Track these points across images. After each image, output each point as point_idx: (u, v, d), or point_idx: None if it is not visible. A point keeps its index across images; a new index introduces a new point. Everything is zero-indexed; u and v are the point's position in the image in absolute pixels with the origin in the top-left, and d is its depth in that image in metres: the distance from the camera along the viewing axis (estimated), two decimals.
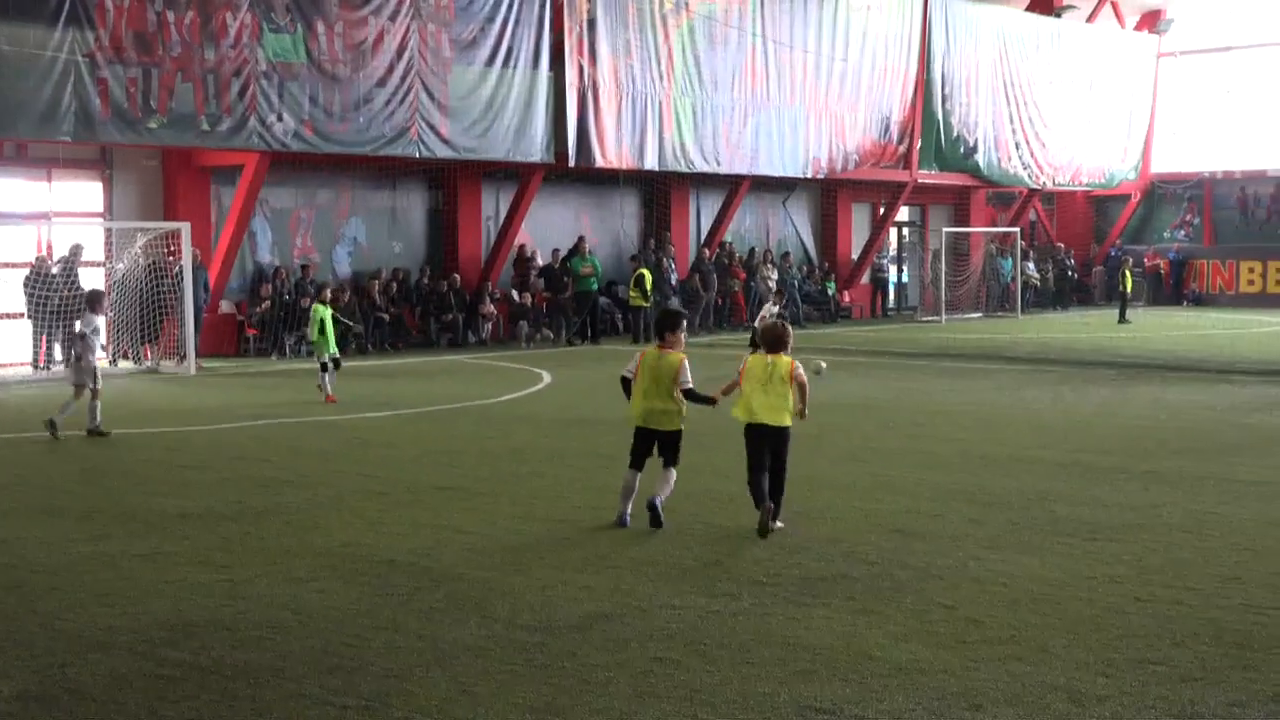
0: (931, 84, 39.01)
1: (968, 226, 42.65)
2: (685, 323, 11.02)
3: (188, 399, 19.74)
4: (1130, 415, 17.32)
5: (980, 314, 40.32)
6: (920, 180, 39.35)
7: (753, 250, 36.59)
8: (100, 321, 17.10)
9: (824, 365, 13.31)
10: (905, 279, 43.11)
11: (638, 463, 10.43)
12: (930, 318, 38.54)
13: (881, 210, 40.46)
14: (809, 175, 36.11)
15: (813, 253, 39.27)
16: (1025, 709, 6.27)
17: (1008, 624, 7.66)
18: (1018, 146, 42.44)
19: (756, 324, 23.69)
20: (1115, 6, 47.54)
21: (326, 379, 18.67)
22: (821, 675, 6.75)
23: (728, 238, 36.21)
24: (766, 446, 10.07)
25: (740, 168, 34.13)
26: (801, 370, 10.17)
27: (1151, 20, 48.24)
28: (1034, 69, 42.52)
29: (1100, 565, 9.03)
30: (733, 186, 35.62)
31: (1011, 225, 43.75)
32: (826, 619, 7.78)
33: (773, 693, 6.51)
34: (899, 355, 26.94)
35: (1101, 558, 9.26)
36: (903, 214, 42.04)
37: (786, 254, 37.52)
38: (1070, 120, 44.11)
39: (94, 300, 16.40)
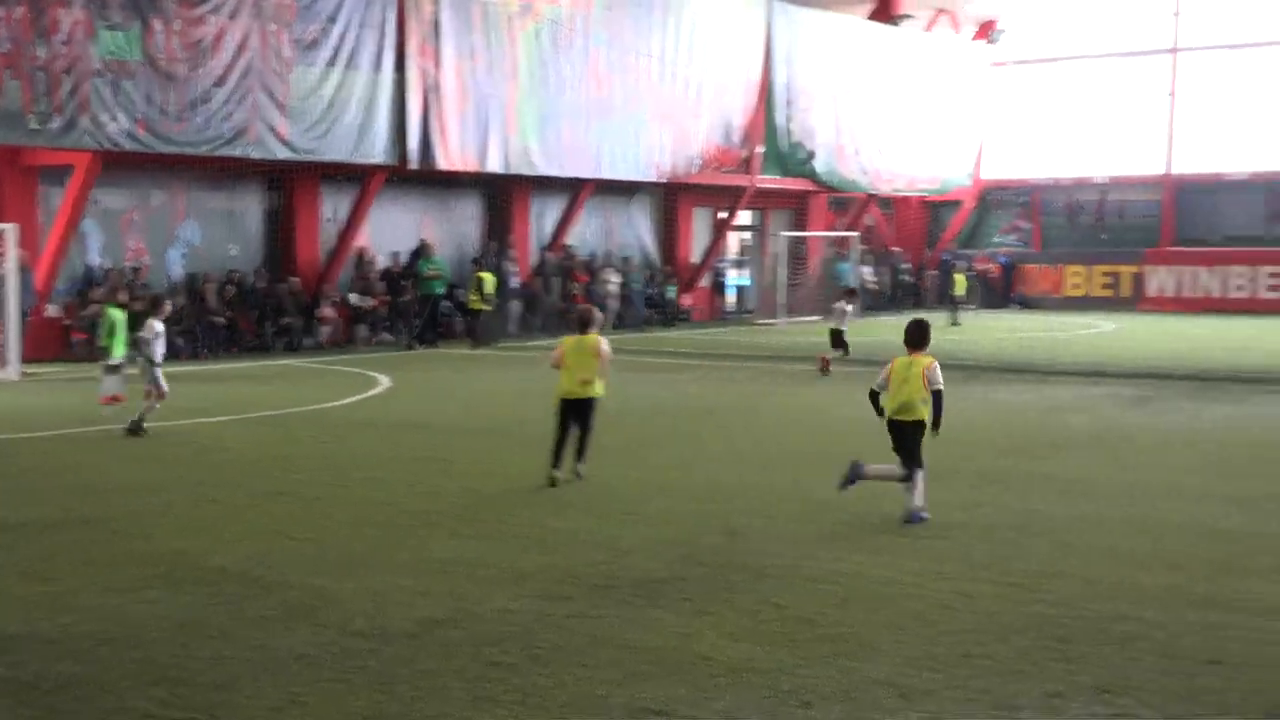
0: (773, 91, 39.52)
1: (807, 231, 43.28)
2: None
3: (10, 405, 19.14)
4: (960, 415, 17.70)
5: (818, 317, 40.90)
6: (761, 185, 39.81)
7: (594, 254, 36.68)
8: None
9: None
10: (745, 282, 43.56)
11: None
12: (769, 321, 39.00)
13: (722, 215, 40.85)
14: (652, 179, 36.32)
15: (654, 256, 39.49)
16: (854, 705, 6.39)
17: (839, 622, 7.79)
18: (856, 153, 43.20)
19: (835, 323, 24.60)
20: (952, 17, 48.67)
21: (111, 380, 17.44)
22: (656, 676, 6.80)
23: (570, 241, 36.25)
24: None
25: (584, 171, 34.17)
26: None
27: (986, 30, 49.51)
28: (873, 77, 43.31)
29: (928, 563, 9.23)
30: (576, 190, 35.67)
31: (849, 230, 44.49)
32: (661, 620, 7.83)
33: (607, 695, 6.54)
34: (736, 358, 27.21)
35: (930, 555, 9.47)
36: (743, 218, 42.50)
37: (628, 258, 37.67)
38: (907, 127, 45.02)
39: None
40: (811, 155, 41.41)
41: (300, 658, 7.11)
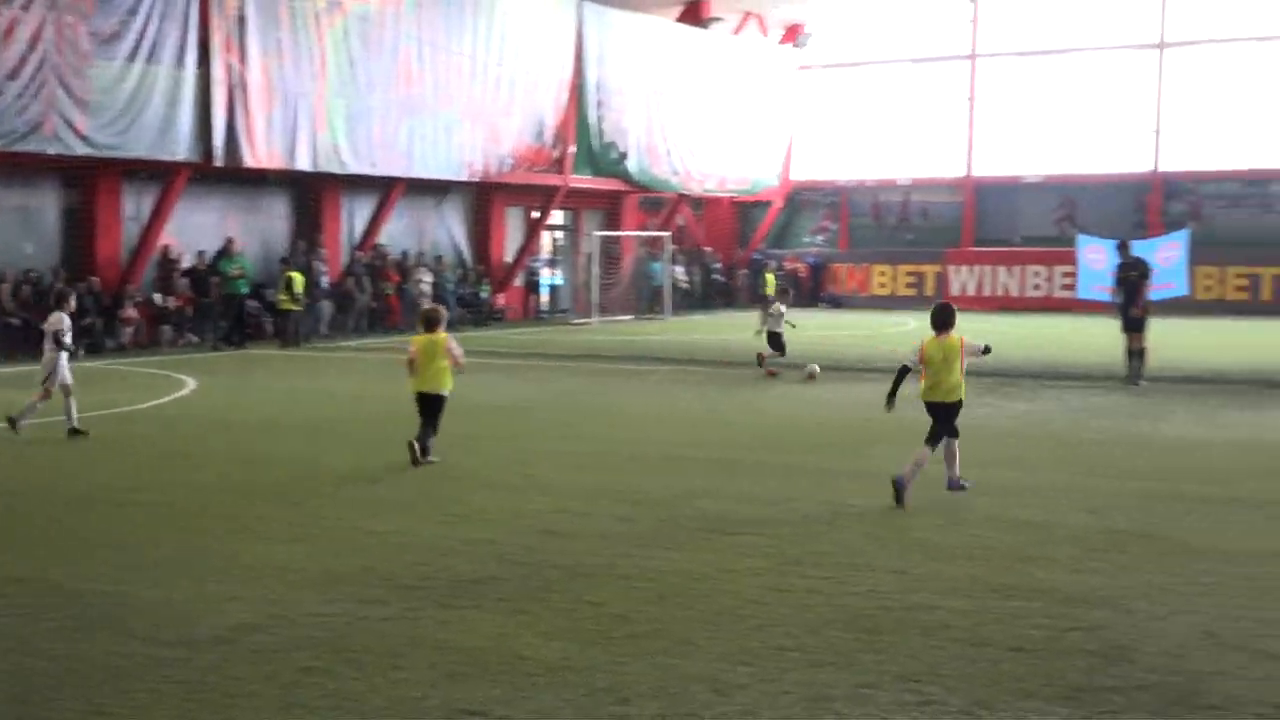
0: (585, 90, 39.62)
1: (619, 230, 43.49)
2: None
3: None
4: (771, 412, 18.01)
5: (631, 316, 41.14)
6: (573, 185, 39.88)
7: (405, 253, 36.33)
8: None
9: (817, 369, 18.21)
10: (558, 282, 43.60)
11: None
12: (582, 320, 39.08)
13: (535, 214, 40.81)
14: (464, 178, 36.12)
15: (467, 256, 39.26)
16: (670, 701, 6.44)
17: (654, 619, 7.85)
18: (668, 153, 43.57)
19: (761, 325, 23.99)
20: (760, 20, 49.38)
21: None
22: (472, 677, 6.76)
23: (382, 240, 35.84)
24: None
25: (394, 170, 33.82)
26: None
27: (793, 34, 50.35)
28: (684, 79, 43.72)
29: (742, 558, 9.35)
30: (386, 189, 35.27)
31: (661, 229, 44.83)
32: (477, 620, 7.80)
33: (423, 697, 6.48)
34: (551, 357, 27.21)
35: (743, 551, 9.59)
36: (556, 218, 42.53)
37: (440, 257, 37.40)
38: (718, 129, 45.58)
39: None
40: (624, 155, 41.63)
41: (104, 668, 6.89)
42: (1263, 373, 23.10)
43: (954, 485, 11.66)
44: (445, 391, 13.48)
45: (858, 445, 14.95)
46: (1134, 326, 21.75)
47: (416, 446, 13.14)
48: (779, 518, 10.81)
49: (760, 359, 23.43)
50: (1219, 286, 43.23)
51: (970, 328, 33.25)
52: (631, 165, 41.86)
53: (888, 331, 34.68)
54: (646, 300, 42.78)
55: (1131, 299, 21.93)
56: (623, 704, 6.39)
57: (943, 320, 11.84)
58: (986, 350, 11.91)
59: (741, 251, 50.74)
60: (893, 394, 11.93)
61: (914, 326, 36.31)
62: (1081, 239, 31.04)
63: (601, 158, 40.74)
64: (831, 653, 7.20)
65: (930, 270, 47.62)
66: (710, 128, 45.20)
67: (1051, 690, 6.61)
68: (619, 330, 35.70)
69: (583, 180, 40.18)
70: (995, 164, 48.02)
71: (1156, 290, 23.38)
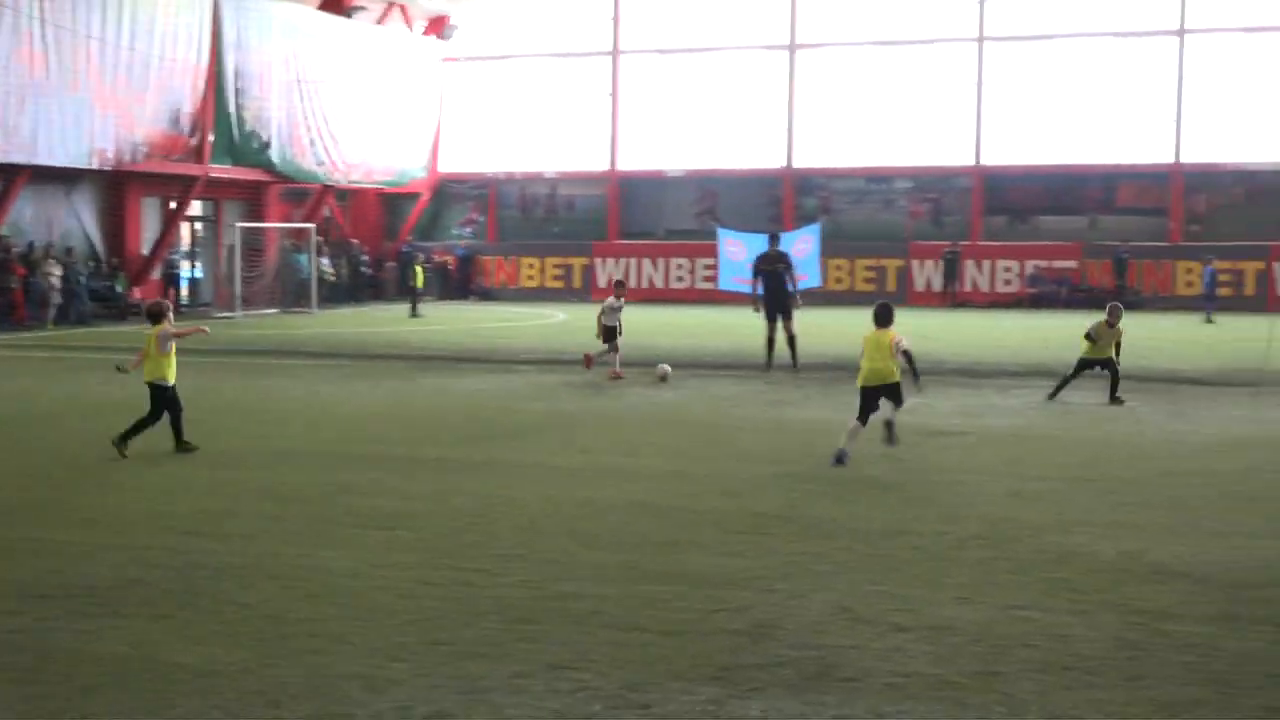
0: (223, 78, 38.45)
1: (262, 222, 42.37)
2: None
3: None
4: (421, 406, 17.92)
5: (276, 309, 40.18)
6: (213, 175, 38.67)
7: (33, 244, 34.41)
8: None
9: (668, 369, 19.84)
10: (199, 274, 42.19)
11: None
12: (225, 313, 37.93)
13: (173, 204, 39.34)
14: (94, 166, 34.50)
15: (100, 248, 37.50)
16: (323, 700, 6.33)
17: (306, 618, 7.70)
18: (312, 143, 42.74)
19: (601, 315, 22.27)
20: (404, 11, 48.96)
21: None
22: (110, 688, 6.47)
23: (4, 231, 33.83)
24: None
25: (17, 157, 32.03)
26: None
27: (438, 26, 50.13)
28: (326, 67, 42.97)
29: (394, 553, 9.27)
30: (10, 176, 33.32)
31: (306, 221, 43.93)
32: (117, 629, 7.47)
33: (58, 711, 6.17)
34: (192, 352, 26.26)
35: (395, 546, 9.52)
36: (196, 208, 41.12)
37: (71, 248, 35.58)
38: (363, 119, 45.00)
39: None
40: (266, 145, 40.65)
41: None
42: None
43: (843, 456, 13.05)
44: (169, 380, 13.61)
45: (508, 436, 15.04)
46: (784, 315, 22.55)
47: (123, 444, 13.33)
48: (430, 511, 10.76)
49: (587, 360, 21.97)
50: (849, 278, 45.45)
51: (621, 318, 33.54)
52: (274, 155, 40.89)
53: (536, 324, 35.01)
54: (292, 293, 41.85)
55: (779, 289, 22.70)
56: (274, 706, 6.25)
57: (882, 317, 13.42)
58: (907, 354, 13.24)
59: (389, 243, 50.24)
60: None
61: (563, 319, 36.82)
62: (721, 232, 32.11)
63: (242, 147, 39.64)
64: (485, 644, 7.22)
65: (578, 262, 48.33)
66: (356, 118, 44.60)
67: (700, 671, 6.81)
68: (263, 324, 34.80)
69: (223, 170, 39.01)
70: (639, 158, 49.08)
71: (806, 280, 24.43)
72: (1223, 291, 36.69)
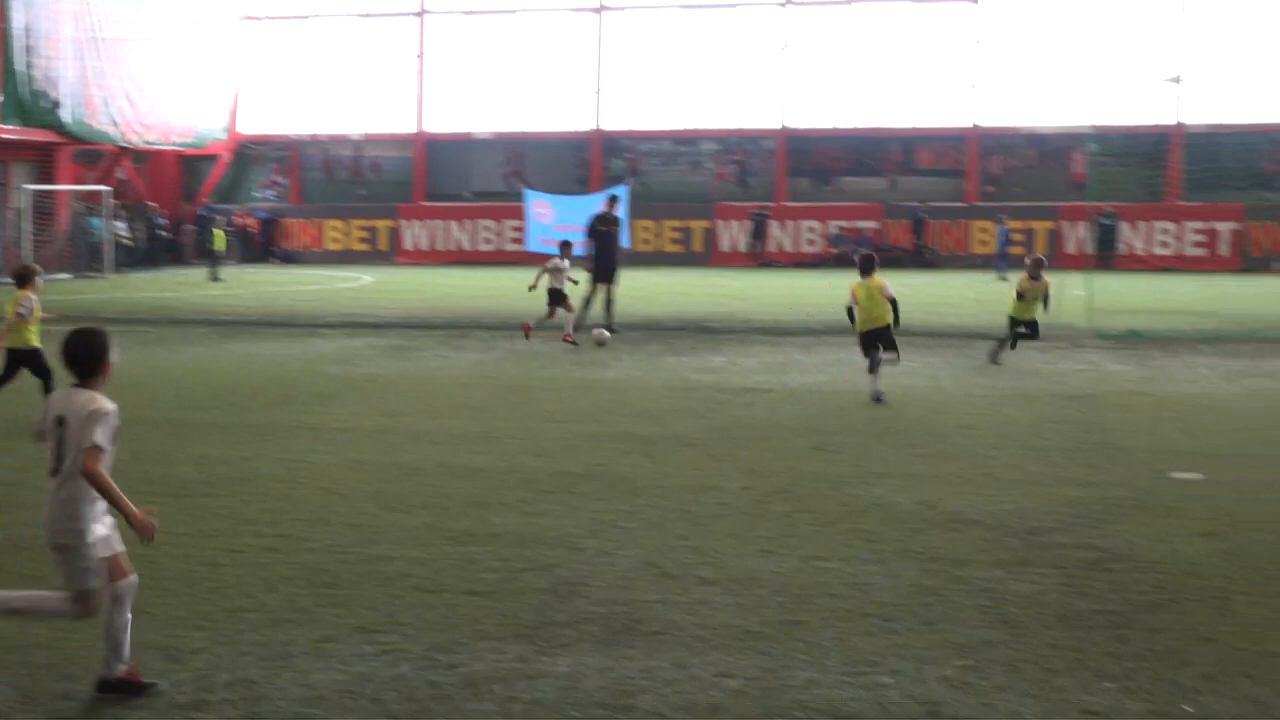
0: (11, 36, 36.97)
1: (53, 184, 40.89)
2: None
3: None
4: (224, 371, 17.53)
5: (69, 274, 38.86)
6: (1, 135, 37.17)
7: None
8: None
9: (607, 334, 20.03)
10: None
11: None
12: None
13: None
14: None
15: None
16: None
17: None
18: (105, 103, 41.38)
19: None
20: None
21: None
22: None
23: None
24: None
25: None
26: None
27: None
28: (120, 25, 41.57)
29: (196, 521, 9.06)
30: None
31: (101, 183, 42.52)
32: None
33: None
34: None
35: (197, 513, 9.30)
36: None
37: None
38: (159, 79, 43.69)
39: None
40: (56, 105, 39.25)
41: None
42: (692, 319, 24.66)
43: (878, 398, 14.49)
44: (35, 345, 13.29)
45: (313, 401, 14.80)
46: (609, 278, 22.58)
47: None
48: (233, 477, 10.55)
49: (526, 330, 21.30)
50: (656, 239, 45.75)
51: (427, 281, 33.44)
52: (65, 115, 39.50)
53: (342, 288, 34.51)
54: (85, 257, 40.49)
55: (613, 251, 22.74)
56: (66, 680, 6.08)
57: (867, 267, 14.94)
58: (893, 301, 14.75)
59: (188, 206, 48.97)
60: (853, 322, 15.03)
61: (368, 282, 36.36)
62: (529, 194, 32.03)
63: (31, 107, 38.22)
64: (290, 610, 7.12)
65: (384, 225, 47.76)
66: (152, 78, 43.32)
67: (507, 629, 6.81)
68: (56, 289, 33.60)
69: (11, 131, 37.52)
70: (447, 120, 48.62)
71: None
72: (1015, 250, 37.79)
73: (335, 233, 48.10)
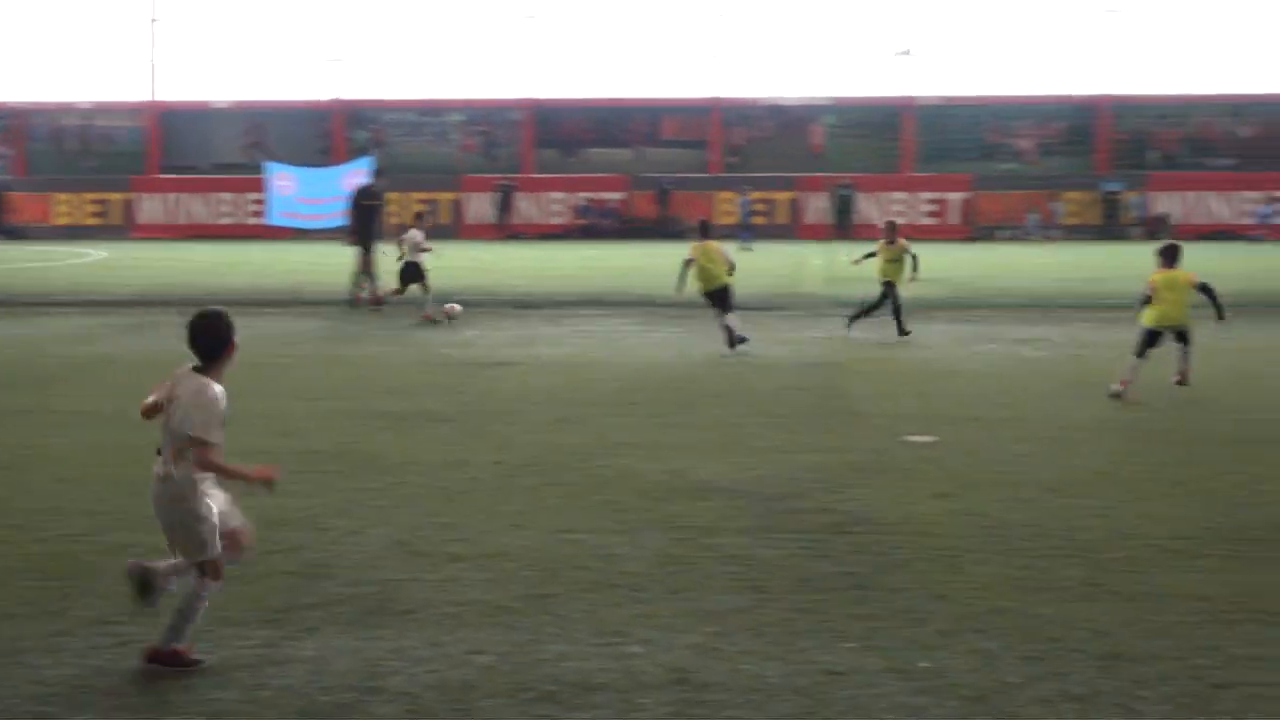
0: None
1: None
2: None
3: None
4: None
5: None
6: None
7: None
8: None
9: (459, 309, 19.47)
10: None
11: None
12: None
13: None
14: None
15: None
16: None
17: None
18: None
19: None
20: None
21: None
22: None
23: None
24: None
25: None
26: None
27: None
28: None
29: None
30: None
31: None
32: None
33: None
34: None
35: None
36: None
37: None
38: None
39: None
40: None
41: None
42: (442, 293, 24.50)
43: (738, 340, 16.44)
44: None
45: (42, 383, 14.23)
46: (368, 247, 22.65)
47: None
48: None
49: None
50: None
51: (164, 256, 32.57)
52: None
53: (72, 264, 33.15)
54: None
55: (371, 224, 22.74)
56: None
57: (704, 231, 17.15)
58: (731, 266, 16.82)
59: None
60: (683, 278, 16.86)
61: (103, 257, 35.01)
62: (271, 166, 31.27)
63: None
64: (19, 604, 6.82)
65: (117, 198, 46.10)
66: None
67: (253, 614, 6.66)
68: None
69: None
70: (182, 89, 47.13)
71: (343, 217, 24.12)
72: (757, 220, 38.63)
73: (64, 206, 46.17)
